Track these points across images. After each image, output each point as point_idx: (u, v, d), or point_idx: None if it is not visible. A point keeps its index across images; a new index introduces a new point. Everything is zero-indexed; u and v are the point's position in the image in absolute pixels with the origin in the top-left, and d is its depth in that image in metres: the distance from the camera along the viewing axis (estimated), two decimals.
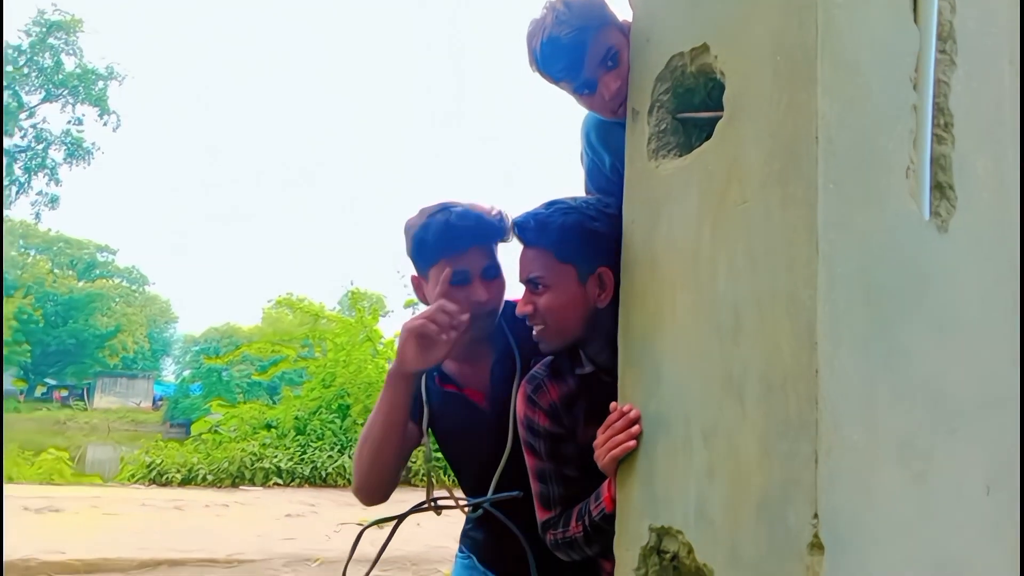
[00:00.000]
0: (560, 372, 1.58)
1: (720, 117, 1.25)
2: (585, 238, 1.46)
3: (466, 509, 1.78)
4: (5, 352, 37.01)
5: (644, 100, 1.41)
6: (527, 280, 1.53)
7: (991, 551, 1.10)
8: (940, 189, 1.17)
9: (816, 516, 0.95)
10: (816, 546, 0.95)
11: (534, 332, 1.54)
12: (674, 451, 1.22)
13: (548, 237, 1.48)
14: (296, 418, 11.61)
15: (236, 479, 10.15)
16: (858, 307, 1.03)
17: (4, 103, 23.53)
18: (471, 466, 1.80)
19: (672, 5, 1.37)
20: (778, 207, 1.08)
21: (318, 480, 10.48)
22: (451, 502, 1.76)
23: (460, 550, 2.00)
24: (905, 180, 1.12)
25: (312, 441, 11.15)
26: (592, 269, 1.47)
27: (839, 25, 1.08)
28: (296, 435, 11.27)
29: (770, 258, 1.08)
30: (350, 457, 11.01)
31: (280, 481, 10.24)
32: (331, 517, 7.12)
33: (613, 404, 1.37)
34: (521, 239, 1.56)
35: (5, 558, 4.88)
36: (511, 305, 1.67)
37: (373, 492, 1.77)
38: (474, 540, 1.91)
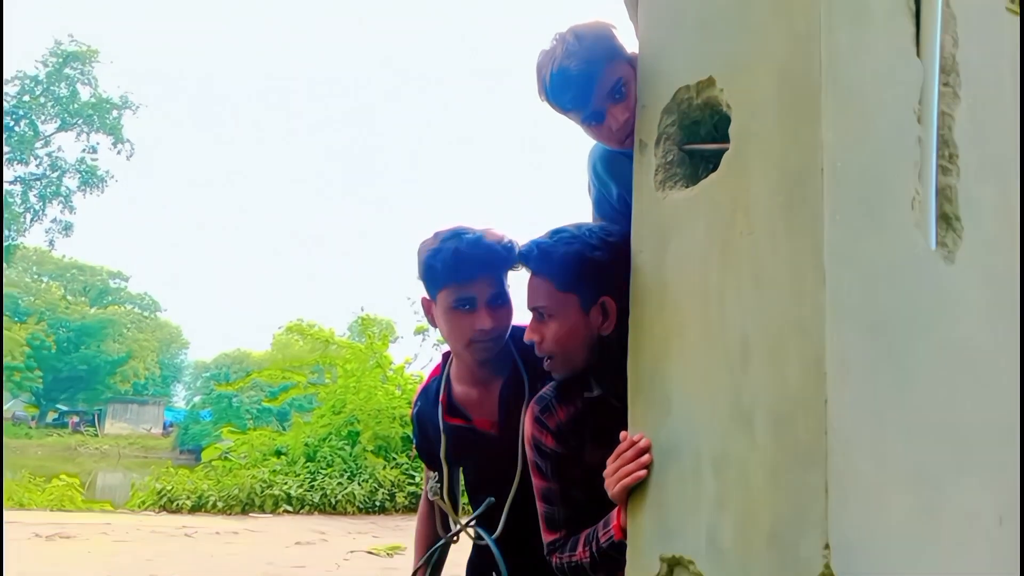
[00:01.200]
0: (569, 394, 1.59)
1: (726, 149, 1.26)
2: (586, 268, 1.48)
3: (469, 532, 1.82)
4: (17, 378, 37.17)
5: (651, 132, 1.43)
6: (533, 309, 1.56)
7: None
8: (946, 220, 1.18)
9: (827, 547, 0.95)
10: None
11: (544, 361, 1.56)
12: (684, 481, 1.22)
13: (550, 267, 1.50)
14: (306, 445, 11.60)
15: (246, 506, 10.13)
16: (866, 337, 1.04)
17: (20, 132, 23.87)
18: (486, 492, 1.80)
19: (678, 39, 1.39)
20: (784, 237, 1.09)
21: (327, 507, 10.46)
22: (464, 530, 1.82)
23: None
24: (911, 211, 1.13)
25: (322, 468, 11.13)
26: (594, 298, 1.49)
27: (843, 59, 1.10)
28: (306, 462, 11.26)
29: (777, 288, 1.09)
30: (360, 484, 11.00)
31: (290, 508, 10.22)
32: (341, 545, 7.09)
33: (624, 433, 1.37)
34: (526, 267, 1.58)
35: None
36: (520, 329, 1.69)
37: None
38: (478, 570, 1.91)
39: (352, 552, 6.48)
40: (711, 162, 1.39)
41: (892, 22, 1.17)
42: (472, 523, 1.76)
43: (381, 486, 11.18)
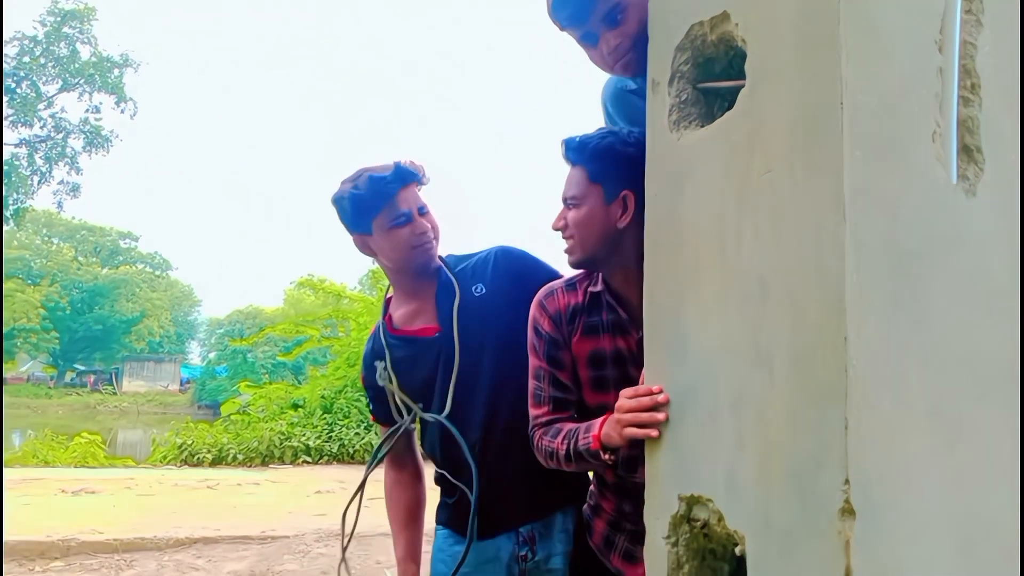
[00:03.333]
0: (574, 286, 1.72)
1: (742, 86, 1.24)
2: (616, 161, 1.57)
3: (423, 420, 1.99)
4: (34, 340, 37.61)
5: (664, 71, 1.40)
6: (564, 199, 1.64)
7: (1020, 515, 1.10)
8: (967, 152, 1.16)
9: (847, 482, 0.96)
10: (847, 511, 0.96)
11: (565, 246, 1.65)
12: (702, 422, 1.22)
13: (584, 156, 1.61)
14: (322, 397, 11.76)
15: (266, 458, 10.34)
16: (886, 274, 1.03)
17: (23, 94, 23.70)
18: (429, 394, 1.94)
19: None
20: (803, 175, 1.07)
21: (346, 457, 10.66)
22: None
23: (437, 526, 2.06)
24: (932, 144, 1.11)
25: (339, 420, 11.31)
26: (617, 192, 1.57)
27: None
28: (323, 414, 11.43)
29: (796, 227, 1.08)
30: (377, 434, 11.17)
31: (309, 459, 10.42)
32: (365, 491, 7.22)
33: (642, 376, 1.38)
34: (566, 159, 1.66)
35: (45, 538, 5.01)
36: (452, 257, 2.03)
37: None
38: (448, 511, 2.02)
39: (371, 499, 6.61)
40: (727, 100, 1.37)
41: None
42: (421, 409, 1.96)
43: None
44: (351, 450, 10.78)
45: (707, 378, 1.22)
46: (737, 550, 1.16)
